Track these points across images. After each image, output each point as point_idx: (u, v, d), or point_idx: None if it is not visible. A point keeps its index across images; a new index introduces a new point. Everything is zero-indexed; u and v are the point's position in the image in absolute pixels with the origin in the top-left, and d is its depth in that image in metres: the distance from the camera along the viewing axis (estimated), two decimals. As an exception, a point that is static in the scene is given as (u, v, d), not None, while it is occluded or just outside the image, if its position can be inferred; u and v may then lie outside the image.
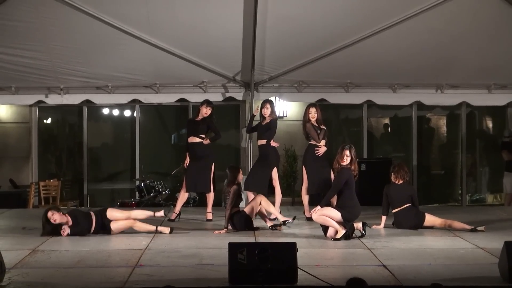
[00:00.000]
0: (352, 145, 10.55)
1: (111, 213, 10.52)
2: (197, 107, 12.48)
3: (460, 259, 8.87)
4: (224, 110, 16.27)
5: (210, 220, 12.00)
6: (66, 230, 10.21)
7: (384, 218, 11.11)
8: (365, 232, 10.26)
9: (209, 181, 12.17)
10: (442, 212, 13.36)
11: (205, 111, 12.09)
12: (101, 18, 13.02)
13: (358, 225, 10.33)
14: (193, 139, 12.12)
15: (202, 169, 12.10)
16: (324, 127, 12.12)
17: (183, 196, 12.28)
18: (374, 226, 10.97)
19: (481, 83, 14.97)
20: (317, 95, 15.04)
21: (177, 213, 12.14)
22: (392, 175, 11.25)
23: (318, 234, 10.49)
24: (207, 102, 12.22)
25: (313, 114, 12.01)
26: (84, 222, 10.34)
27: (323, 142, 11.99)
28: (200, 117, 12.13)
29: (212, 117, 12.18)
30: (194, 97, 14.72)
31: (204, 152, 12.11)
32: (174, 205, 14.81)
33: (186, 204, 14.98)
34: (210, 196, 12.18)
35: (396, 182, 11.19)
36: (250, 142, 14.47)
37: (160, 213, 10.88)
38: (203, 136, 12.13)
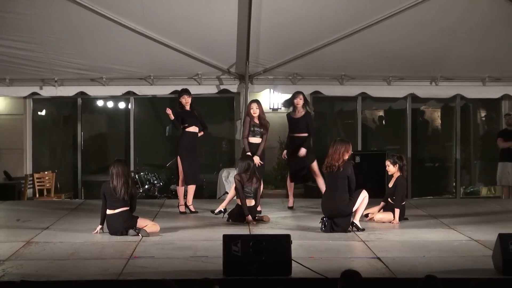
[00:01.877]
0: (337, 140, 10.52)
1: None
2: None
3: (454, 251, 8.90)
4: (219, 102, 16.26)
5: (196, 212, 12.00)
6: None
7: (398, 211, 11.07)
8: (355, 229, 10.22)
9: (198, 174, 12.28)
10: (436, 204, 13.42)
11: (187, 100, 11.99)
12: (95, 10, 12.98)
13: (356, 220, 10.31)
14: (195, 129, 12.04)
15: (198, 161, 12.13)
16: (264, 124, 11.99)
17: (183, 187, 12.22)
18: (394, 221, 10.92)
19: (475, 76, 14.99)
20: (311, 87, 15.06)
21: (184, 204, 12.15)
22: (402, 168, 11.17)
23: (312, 226, 10.50)
24: (186, 91, 12.16)
25: (254, 109, 11.96)
26: None
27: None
28: (187, 107, 12.03)
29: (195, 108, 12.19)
30: (189, 89, 14.69)
31: (197, 143, 12.14)
32: (169, 197, 14.88)
33: (175, 196, 15.01)
34: (194, 188, 12.18)
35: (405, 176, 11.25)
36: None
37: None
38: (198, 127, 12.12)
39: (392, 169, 11.14)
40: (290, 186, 12.42)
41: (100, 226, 10.05)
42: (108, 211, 9.91)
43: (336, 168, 10.14)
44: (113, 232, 9.86)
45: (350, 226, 10.16)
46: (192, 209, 12.01)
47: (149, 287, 6.35)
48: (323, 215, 10.25)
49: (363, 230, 10.15)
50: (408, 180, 16.05)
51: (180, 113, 12.01)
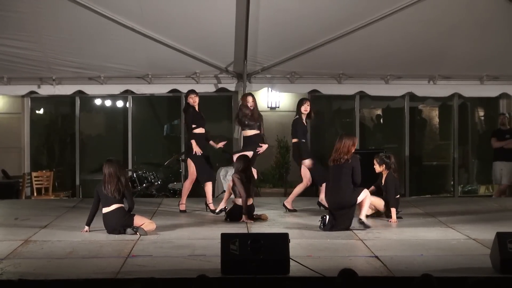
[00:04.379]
0: (344, 134, 10.55)
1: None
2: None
3: (451, 250, 8.91)
4: (217, 101, 16.26)
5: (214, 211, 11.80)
6: None
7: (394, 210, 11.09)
8: (362, 227, 10.22)
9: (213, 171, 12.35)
10: (434, 203, 13.42)
11: (194, 100, 12.03)
12: (93, 9, 12.96)
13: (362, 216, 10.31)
14: (201, 130, 12.04)
15: (209, 160, 12.14)
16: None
17: (189, 187, 12.17)
18: (392, 220, 10.93)
19: (473, 75, 14.99)
20: (309, 86, 15.05)
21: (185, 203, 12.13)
22: (390, 166, 11.22)
23: (310, 224, 10.51)
24: (193, 91, 12.18)
25: (251, 102, 12.01)
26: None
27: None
28: (197, 108, 12.06)
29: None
30: (187, 88, 14.56)
31: (206, 143, 12.15)
32: (167, 196, 14.89)
33: (173, 194, 15.00)
34: (211, 186, 12.18)
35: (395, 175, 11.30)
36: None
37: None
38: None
39: (378, 168, 11.28)
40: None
41: (86, 228, 10.02)
42: (104, 210, 9.92)
43: (344, 160, 10.22)
44: (110, 230, 9.87)
45: (359, 224, 10.17)
46: (212, 208, 11.80)
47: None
48: (322, 214, 10.28)
49: (369, 227, 10.17)
50: (406, 179, 16.13)
51: (193, 113, 12.03)
